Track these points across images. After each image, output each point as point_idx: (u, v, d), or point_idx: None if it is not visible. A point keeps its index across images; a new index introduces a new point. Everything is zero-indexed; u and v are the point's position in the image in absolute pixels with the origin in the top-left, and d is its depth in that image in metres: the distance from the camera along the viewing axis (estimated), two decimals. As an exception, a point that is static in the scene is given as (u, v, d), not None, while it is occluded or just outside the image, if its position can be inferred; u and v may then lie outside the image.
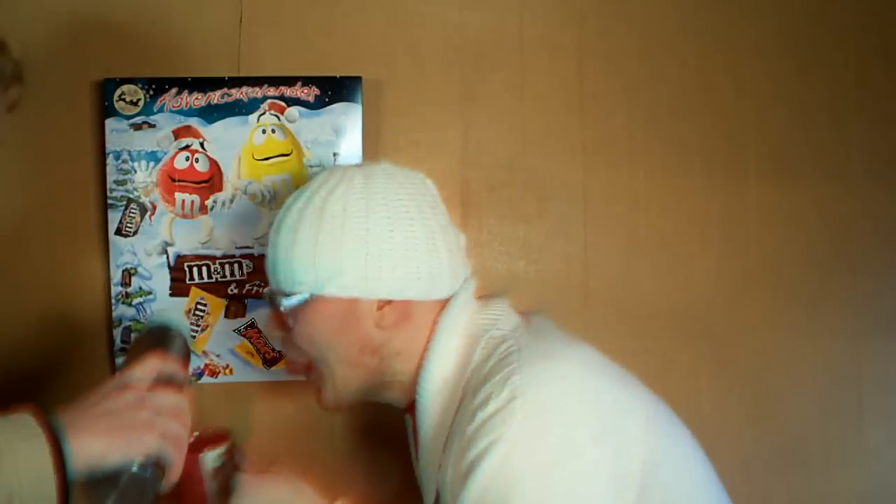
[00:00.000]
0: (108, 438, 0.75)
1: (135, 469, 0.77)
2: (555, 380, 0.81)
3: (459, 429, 0.82)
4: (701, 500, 0.88)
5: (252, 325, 1.25)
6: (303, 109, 1.24)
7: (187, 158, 1.23)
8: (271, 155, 1.24)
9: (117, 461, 0.75)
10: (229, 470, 0.92)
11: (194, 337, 1.24)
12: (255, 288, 1.24)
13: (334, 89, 1.24)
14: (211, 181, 1.24)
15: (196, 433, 0.97)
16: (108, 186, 1.22)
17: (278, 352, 1.25)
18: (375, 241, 0.89)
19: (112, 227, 1.22)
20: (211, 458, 0.93)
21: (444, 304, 0.93)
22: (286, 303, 0.91)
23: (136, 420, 0.77)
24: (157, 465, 0.78)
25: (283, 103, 1.24)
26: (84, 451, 0.72)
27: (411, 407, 0.92)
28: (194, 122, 1.23)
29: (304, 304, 0.91)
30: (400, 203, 0.91)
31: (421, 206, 0.93)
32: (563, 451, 0.77)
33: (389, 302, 0.90)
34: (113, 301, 1.23)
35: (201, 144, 1.23)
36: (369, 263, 0.89)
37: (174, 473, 0.80)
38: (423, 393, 0.90)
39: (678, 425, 0.90)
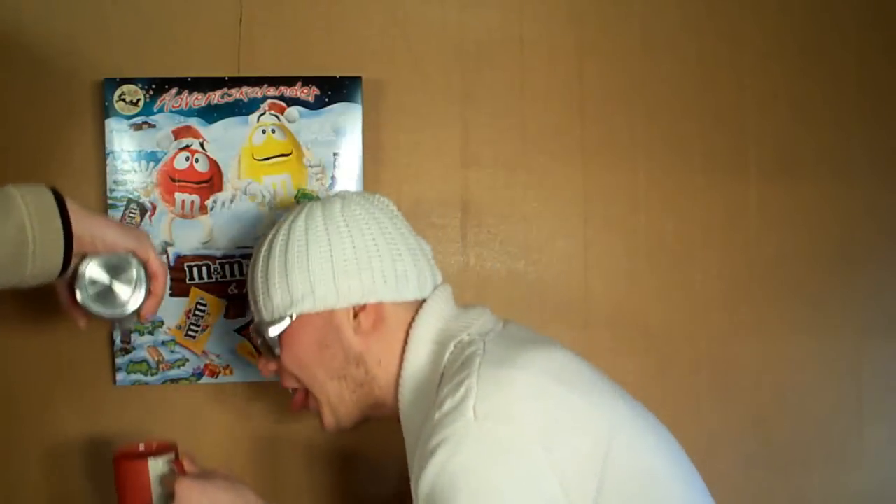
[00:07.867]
0: (108, 222, 0.92)
1: (131, 261, 0.92)
2: (509, 384, 0.82)
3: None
4: None
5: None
6: (303, 109, 1.24)
7: (187, 158, 1.23)
8: (271, 155, 1.24)
9: (113, 241, 0.90)
10: (175, 478, 0.94)
11: (194, 337, 1.24)
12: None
13: (334, 89, 1.24)
14: (211, 181, 1.24)
15: (142, 444, 1.06)
16: (108, 186, 1.22)
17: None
18: (339, 253, 0.96)
19: (112, 228, 1.22)
20: (157, 465, 0.98)
21: (417, 308, 0.97)
22: (271, 331, 0.97)
23: (132, 225, 0.97)
24: (146, 271, 0.93)
25: (283, 103, 1.24)
26: (86, 221, 0.86)
27: (398, 417, 0.95)
28: (194, 122, 1.23)
29: (288, 329, 0.97)
30: (357, 217, 0.98)
31: (378, 217, 0.99)
32: (509, 453, 0.78)
33: (363, 307, 0.96)
34: (113, 301, 1.23)
35: (201, 144, 1.23)
36: (336, 274, 0.95)
37: (158, 291, 0.95)
38: (403, 401, 0.94)
39: (654, 433, 0.89)
